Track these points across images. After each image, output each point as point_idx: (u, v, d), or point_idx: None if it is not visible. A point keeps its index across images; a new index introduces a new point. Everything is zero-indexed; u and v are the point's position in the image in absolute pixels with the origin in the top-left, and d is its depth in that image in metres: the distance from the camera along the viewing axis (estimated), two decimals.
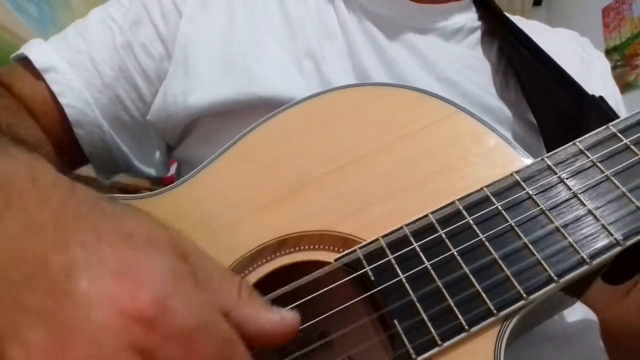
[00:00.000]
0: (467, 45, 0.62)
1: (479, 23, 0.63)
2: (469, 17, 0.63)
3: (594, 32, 2.45)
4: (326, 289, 0.35)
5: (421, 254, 0.36)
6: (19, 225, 0.24)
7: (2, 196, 0.26)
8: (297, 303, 0.35)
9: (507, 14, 0.63)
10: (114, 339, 0.22)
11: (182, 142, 0.59)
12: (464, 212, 0.37)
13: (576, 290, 0.38)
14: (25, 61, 0.55)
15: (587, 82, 0.54)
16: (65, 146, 0.56)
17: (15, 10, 0.81)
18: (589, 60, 0.66)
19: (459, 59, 0.60)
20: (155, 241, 0.26)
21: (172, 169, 0.75)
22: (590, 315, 0.54)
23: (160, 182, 0.90)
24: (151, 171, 0.64)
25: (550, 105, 0.53)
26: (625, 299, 0.56)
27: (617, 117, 0.41)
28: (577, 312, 0.51)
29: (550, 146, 0.52)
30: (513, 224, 0.36)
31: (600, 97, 0.48)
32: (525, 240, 0.35)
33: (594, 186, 0.36)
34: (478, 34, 0.62)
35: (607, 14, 2.46)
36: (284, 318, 0.29)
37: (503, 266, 0.34)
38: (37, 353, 0.21)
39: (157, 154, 0.63)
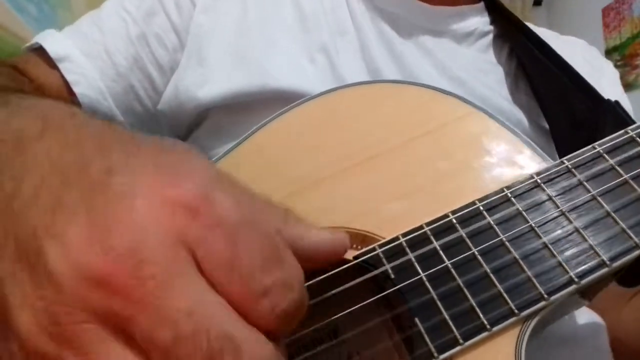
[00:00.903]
0: (478, 48, 0.62)
1: (490, 27, 0.63)
2: (481, 21, 0.63)
3: (594, 32, 2.46)
4: (348, 285, 0.35)
5: (441, 252, 0.36)
6: (58, 143, 0.24)
7: (41, 121, 0.25)
8: (317, 299, 0.35)
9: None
10: (157, 226, 0.21)
11: (191, 134, 0.59)
12: (484, 212, 0.37)
13: (591, 292, 0.38)
14: (39, 50, 0.55)
15: (597, 88, 0.54)
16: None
17: (15, 10, 0.81)
18: (599, 67, 0.67)
19: (470, 61, 0.60)
20: (197, 155, 0.25)
21: None
22: (597, 317, 0.54)
23: None
24: None
25: (563, 108, 0.53)
26: (629, 302, 0.57)
27: (634, 122, 0.42)
28: (584, 314, 0.52)
29: (562, 149, 0.53)
30: (533, 225, 0.36)
31: (616, 102, 0.49)
32: (546, 241, 0.35)
33: (613, 189, 0.37)
34: (489, 37, 0.63)
35: (607, 14, 2.47)
36: (335, 235, 0.28)
37: (524, 267, 0.34)
38: (74, 245, 0.20)
39: None
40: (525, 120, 0.56)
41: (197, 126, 0.58)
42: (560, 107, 0.54)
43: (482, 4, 0.64)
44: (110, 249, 0.20)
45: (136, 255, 0.20)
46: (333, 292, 0.35)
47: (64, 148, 0.24)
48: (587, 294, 0.39)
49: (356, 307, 0.35)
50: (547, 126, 0.56)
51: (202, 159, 0.25)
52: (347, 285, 0.36)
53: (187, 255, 0.21)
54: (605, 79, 0.64)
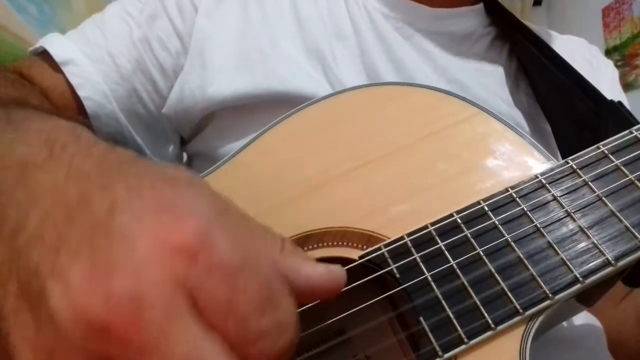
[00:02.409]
0: (477, 50, 0.62)
1: (490, 28, 0.63)
2: (480, 22, 0.63)
3: (594, 32, 2.46)
4: (353, 284, 0.36)
5: (446, 252, 0.36)
6: (62, 173, 0.24)
7: (45, 150, 0.26)
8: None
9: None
10: (157, 271, 0.21)
11: (197, 135, 0.60)
12: (489, 212, 0.37)
13: (596, 292, 0.39)
14: (43, 54, 0.55)
15: (597, 87, 0.54)
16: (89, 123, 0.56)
17: (15, 10, 0.81)
18: (598, 66, 0.67)
19: (469, 63, 0.60)
20: (198, 185, 0.26)
21: None
22: (594, 319, 0.55)
23: None
24: None
25: (565, 109, 0.53)
26: (622, 303, 0.57)
27: (637, 122, 0.42)
28: (581, 317, 0.52)
29: (565, 150, 0.53)
30: (538, 225, 0.36)
31: (620, 102, 0.49)
32: (550, 240, 0.35)
33: (618, 189, 0.37)
34: (489, 39, 0.63)
35: (607, 14, 2.47)
36: (331, 270, 0.28)
37: (529, 266, 0.35)
38: (76, 287, 0.21)
39: (171, 148, 0.64)
40: (524, 122, 0.56)
41: (203, 128, 0.58)
42: (562, 108, 0.54)
43: (481, 5, 0.64)
44: (112, 294, 0.21)
45: (136, 301, 0.21)
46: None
47: (67, 180, 0.24)
48: (590, 298, 0.39)
49: (361, 306, 0.36)
50: (548, 127, 0.56)
51: (202, 193, 0.25)
52: (352, 285, 0.36)
53: (186, 300, 0.22)
54: (605, 79, 0.65)
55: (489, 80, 0.59)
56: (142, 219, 0.22)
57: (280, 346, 0.23)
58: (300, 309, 0.26)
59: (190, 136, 0.61)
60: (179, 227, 0.22)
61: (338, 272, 0.28)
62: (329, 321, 0.35)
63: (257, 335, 0.23)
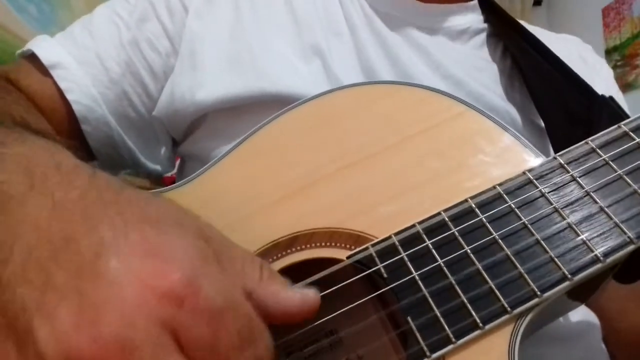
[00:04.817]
0: (472, 46, 0.62)
1: (484, 25, 0.63)
2: (475, 19, 0.63)
3: (594, 32, 2.46)
4: (340, 285, 0.35)
5: (434, 251, 0.36)
6: (45, 208, 0.24)
7: (26, 180, 0.26)
8: None
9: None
10: (145, 316, 0.22)
11: (189, 137, 0.59)
12: (476, 210, 0.37)
13: (587, 289, 0.38)
14: (32, 57, 0.55)
15: (592, 85, 0.54)
16: (72, 142, 0.56)
17: (15, 10, 0.81)
18: (593, 65, 0.67)
19: (464, 58, 0.60)
20: (181, 224, 0.27)
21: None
22: (590, 315, 0.54)
23: (160, 181, 0.89)
24: (157, 167, 0.64)
25: (559, 106, 0.53)
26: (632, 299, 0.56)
27: (628, 116, 0.42)
28: (578, 313, 0.51)
29: (558, 146, 0.52)
30: (526, 222, 0.36)
31: (611, 97, 0.49)
32: (539, 237, 0.35)
33: (606, 185, 0.37)
34: (483, 35, 0.63)
35: (607, 14, 2.47)
36: (305, 297, 0.30)
37: (517, 264, 0.34)
38: (64, 330, 0.21)
39: (163, 150, 0.63)
40: (519, 118, 0.56)
41: (195, 129, 0.58)
42: (556, 105, 0.53)
43: (475, 2, 0.64)
44: (99, 337, 0.21)
45: (123, 343, 0.21)
46: (325, 292, 0.35)
47: (51, 217, 0.24)
48: (582, 294, 0.39)
49: (351, 306, 0.35)
50: (541, 124, 0.56)
51: (186, 234, 0.26)
52: (339, 286, 0.36)
53: (171, 341, 0.23)
54: (599, 77, 0.64)
55: (484, 75, 0.59)
56: (129, 264, 0.23)
57: None
58: None
59: (182, 138, 0.61)
60: (165, 273, 0.23)
61: (312, 298, 0.30)
62: (320, 321, 0.35)
63: None
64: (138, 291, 0.22)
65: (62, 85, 0.53)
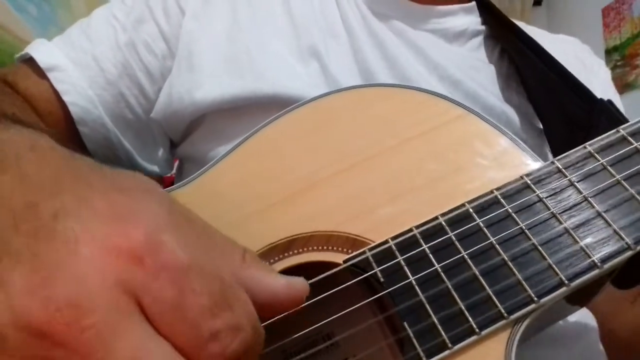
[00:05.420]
0: (469, 47, 0.62)
1: (482, 27, 0.63)
2: (472, 21, 0.63)
3: (594, 32, 2.46)
4: (337, 289, 0.35)
5: (431, 256, 0.36)
6: (11, 182, 0.24)
7: None
8: (306, 303, 0.35)
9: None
10: (101, 276, 0.21)
11: (187, 138, 0.59)
12: (474, 214, 0.37)
13: (585, 294, 0.38)
14: (29, 61, 0.55)
15: (589, 86, 0.54)
16: (69, 145, 0.56)
17: (15, 10, 0.81)
18: (591, 66, 0.67)
19: (461, 60, 0.60)
20: (154, 193, 0.25)
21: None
22: (588, 317, 0.54)
23: (160, 183, 0.89)
24: (154, 169, 0.64)
25: (557, 109, 0.53)
26: (635, 306, 0.56)
27: (627, 120, 0.41)
28: (576, 314, 0.51)
29: (557, 149, 0.52)
30: (524, 227, 0.36)
31: (609, 101, 0.48)
32: (536, 243, 0.35)
33: (604, 190, 0.36)
34: (481, 37, 0.63)
35: (607, 14, 2.47)
36: (291, 282, 0.28)
37: (514, 269, 0.34)
38: (16, 293, 0.20)
39: (161, 152, 0.63)
40: (516, 119, 0.56)
41: (193, 131, 0.58)
42: (554, 108, 0.53)
43: (473, 3, 0.64)
44: (51, 299, 0.20)
45: (76, 306, 0.20)
46: (320, 297, 0.35)
47: (16, 188, 0.23)
48: (582, 296, 0.39)
49: (348, 310, 0.35)
50: (540, 126, 0.56)
51: (156, 198, 0.25)
52: (335, 290, 0.35)
53: (131, 303, 0.21)
54: (597, 79, 0.64)
55: (481, 76, 0.59)
56: (88, 225, 0.22)
57: (234, 348, 0.23)
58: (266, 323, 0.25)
59: (179, 140, 0.61)
60: (126, 232, 0.22)
61: (299, 285, 0.28)
62: (316, 325, 0.35)
63: (208, 336, 0.22)
64: (95, 251, 0.21)
65: (59, 87, 0.53)
